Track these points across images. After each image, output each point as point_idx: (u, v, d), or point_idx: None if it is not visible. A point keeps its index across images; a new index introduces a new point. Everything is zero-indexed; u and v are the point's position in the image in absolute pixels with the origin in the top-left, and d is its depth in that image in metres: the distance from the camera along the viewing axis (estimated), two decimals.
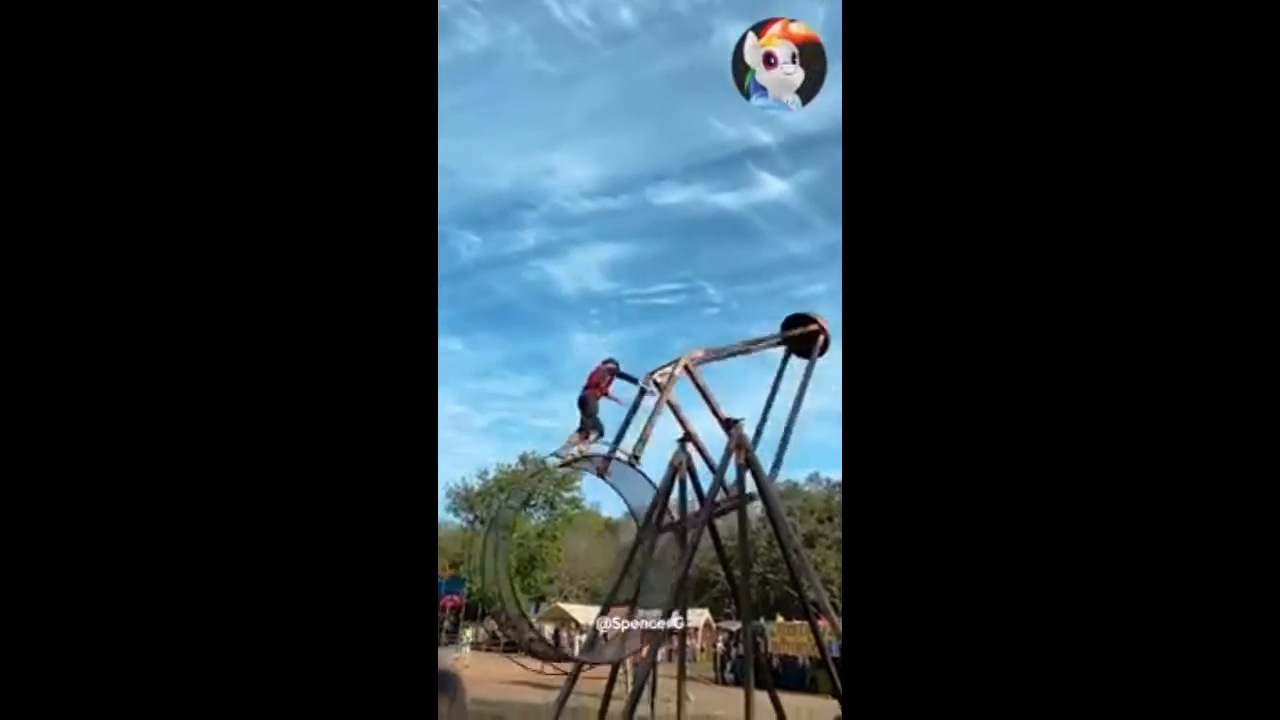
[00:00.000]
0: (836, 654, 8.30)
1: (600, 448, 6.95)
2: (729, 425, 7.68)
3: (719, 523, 8.26)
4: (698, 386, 7.61)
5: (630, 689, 7.22)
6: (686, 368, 7.34)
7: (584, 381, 7.09)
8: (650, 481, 7.54)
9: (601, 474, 6.97)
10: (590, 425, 6.94)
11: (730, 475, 7.64)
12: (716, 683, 17.32)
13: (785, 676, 15.10)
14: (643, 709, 7.43)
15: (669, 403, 7.26)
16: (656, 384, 7.14)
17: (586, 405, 6.98)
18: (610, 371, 7.17)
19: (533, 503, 35.43)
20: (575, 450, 6.91)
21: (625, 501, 7.89)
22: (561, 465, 7.14)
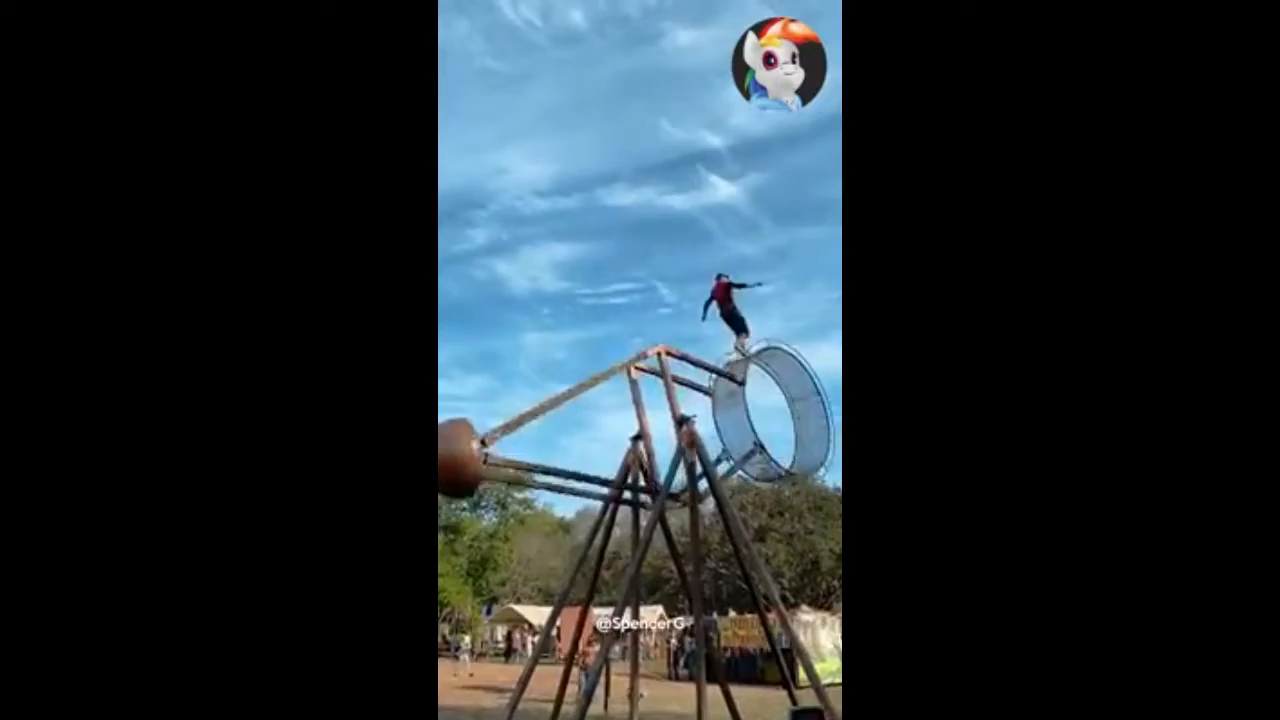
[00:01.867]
0: (785, 646, 8.46)
1: (756, 344, 8.34)
2: (681, 423, 7.72)
3: (671, 519, 8.30)
4: (664, 378, 7.79)
5: (581, 690, 7.18)
6: (660, 356, 7.67)
7: (710, 301, 8.26)
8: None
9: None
10: (742, 327, 8.16)
11: (680, 473, 7.69)
12: (670, 678, 17.43)
13: (739, 669, 15.30)
14: (595, 709, 7.41)
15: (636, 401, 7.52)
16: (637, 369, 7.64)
17: (733, 314, 8.15)
18: (726, 286, 8.32)
19: (482, 504, 34.95)
20: (747, 350, 8.16)
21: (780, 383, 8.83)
22: (749, 359, 8.29)
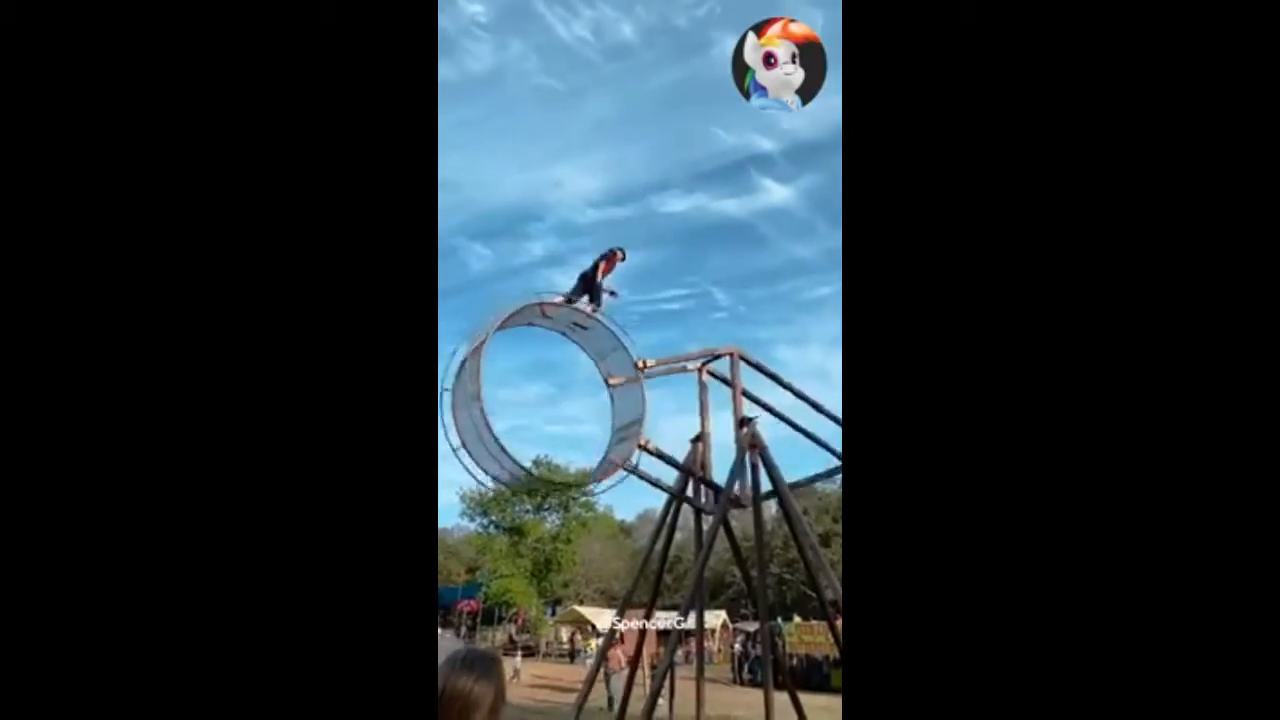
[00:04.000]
0: None
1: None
2: (743, 424, 7.65)
3: (734, 523, 8.22)
4: (734, 382, 7.66)
5: (649, 690, 7.19)
6: (732, 358, 7.48)
7: (593, 271, 7.53)
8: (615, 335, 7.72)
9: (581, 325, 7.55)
10: (594, 295, 7.46)
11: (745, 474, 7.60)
12: (735, 683, 17.25)
13: (806, 676, 15.01)
14: (659, 711, 7.39)
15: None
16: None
17: (596, 285, 7.47)
18: (618, 261, 7.63)
19: (546, 506, 35.58)
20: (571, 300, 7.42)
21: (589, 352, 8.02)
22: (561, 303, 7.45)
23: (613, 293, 7.58)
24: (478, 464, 6.52)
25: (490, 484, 7.00)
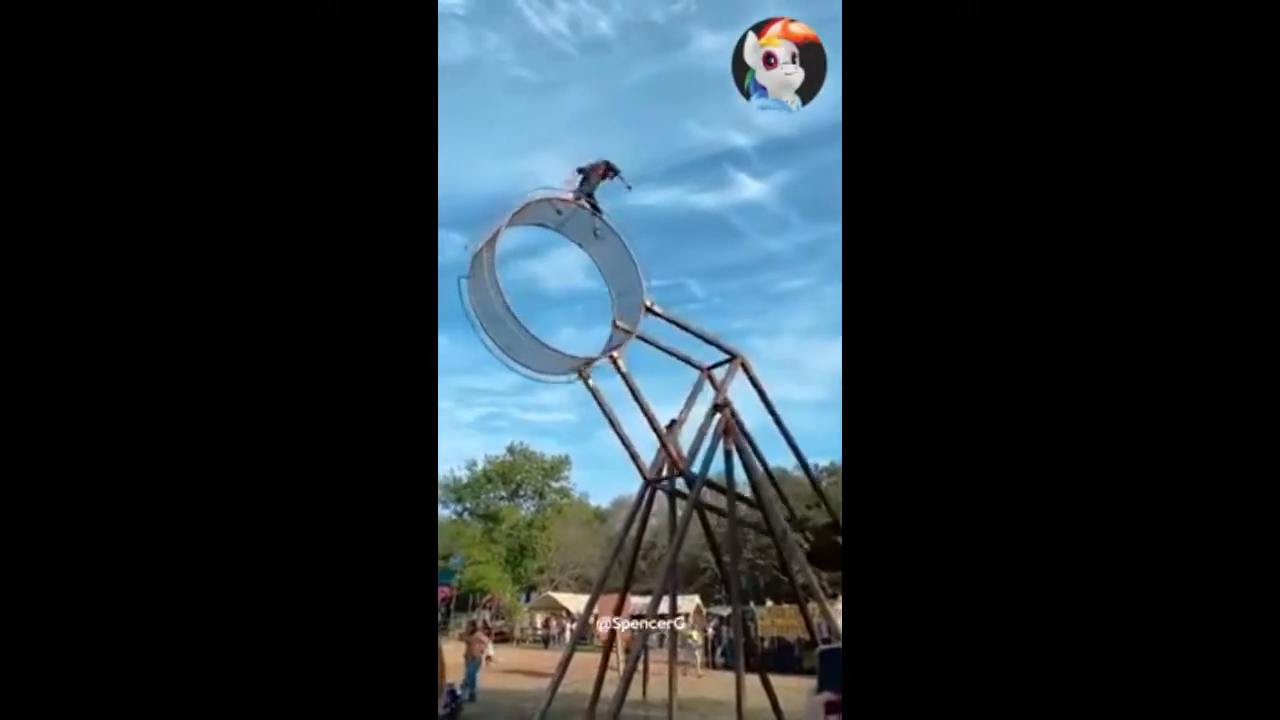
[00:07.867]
0: (826, 635, 8.36)
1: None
2: (719, 409, 7.67)
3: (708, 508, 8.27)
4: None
5: (621, 674, 7.23)
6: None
7: (586, 175, 8.04)
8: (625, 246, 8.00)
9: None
10: (585, 191, 7.93)
11: (719, 461, 7.65)
12: (708, 666, 17.46)
13: (778, 659, 15.26)
14: (634, 694, 7.45)
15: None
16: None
17: (591, 194, 7.96)
18: (607, 168, 8.07)
19: (521, 493, 35.51)
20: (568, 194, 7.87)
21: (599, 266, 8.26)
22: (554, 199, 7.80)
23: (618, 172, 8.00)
24: (504, 351, 7.24)
25: (514, 365, 7.48)
